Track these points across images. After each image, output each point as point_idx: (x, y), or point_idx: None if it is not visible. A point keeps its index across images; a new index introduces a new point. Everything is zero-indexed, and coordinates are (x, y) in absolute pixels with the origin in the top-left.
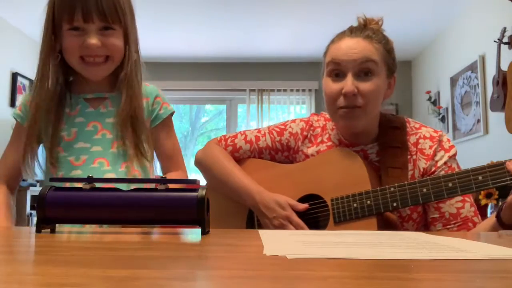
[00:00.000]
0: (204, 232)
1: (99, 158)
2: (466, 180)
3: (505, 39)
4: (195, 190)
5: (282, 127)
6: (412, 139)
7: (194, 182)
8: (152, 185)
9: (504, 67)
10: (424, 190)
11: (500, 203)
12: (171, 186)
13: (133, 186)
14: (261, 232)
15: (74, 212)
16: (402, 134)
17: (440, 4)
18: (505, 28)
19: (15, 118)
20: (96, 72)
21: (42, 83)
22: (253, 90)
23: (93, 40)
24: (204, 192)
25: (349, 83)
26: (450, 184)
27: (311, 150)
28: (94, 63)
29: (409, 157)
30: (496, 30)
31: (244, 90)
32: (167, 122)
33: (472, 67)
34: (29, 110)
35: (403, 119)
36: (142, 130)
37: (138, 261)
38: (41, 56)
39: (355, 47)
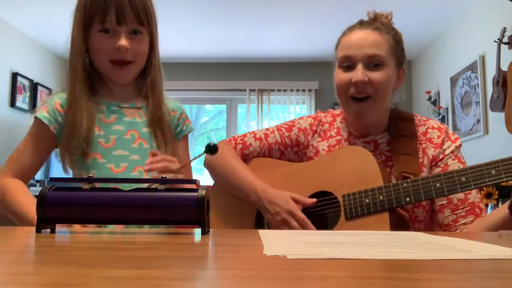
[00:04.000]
0: (204, 232)
1: (138, 167)
2: (479, 174)
3: (505, 39)
4: (195, 190)
5: (290, 124)
6: (421, 129)
7: (194, 182)
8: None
9: (504, 67)
10: (438, 184)
11: (500, 203)
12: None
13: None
14: (261, 232)
15: (74, 212)
16: (411, 125)
17: (440, 4)
18: (505, 28)
19: (40, 119)
20: (123, 75)
21: (75, 86)
22: (253, 90)
23: (124, 42)
24: (204, 192)
25: (359, 72)
26: (463, 179)
27: (321, 144)
28: (122, 66)
29: (418, 145)
30: (496, 30)
31: (244, 90)
32: (186, 138)
33: (472, 67)
34: (65, 114)
35: (410, 113)
36: (170, 137)
37: (138, 261)
38: (72, 56)
39: (365, 39)
